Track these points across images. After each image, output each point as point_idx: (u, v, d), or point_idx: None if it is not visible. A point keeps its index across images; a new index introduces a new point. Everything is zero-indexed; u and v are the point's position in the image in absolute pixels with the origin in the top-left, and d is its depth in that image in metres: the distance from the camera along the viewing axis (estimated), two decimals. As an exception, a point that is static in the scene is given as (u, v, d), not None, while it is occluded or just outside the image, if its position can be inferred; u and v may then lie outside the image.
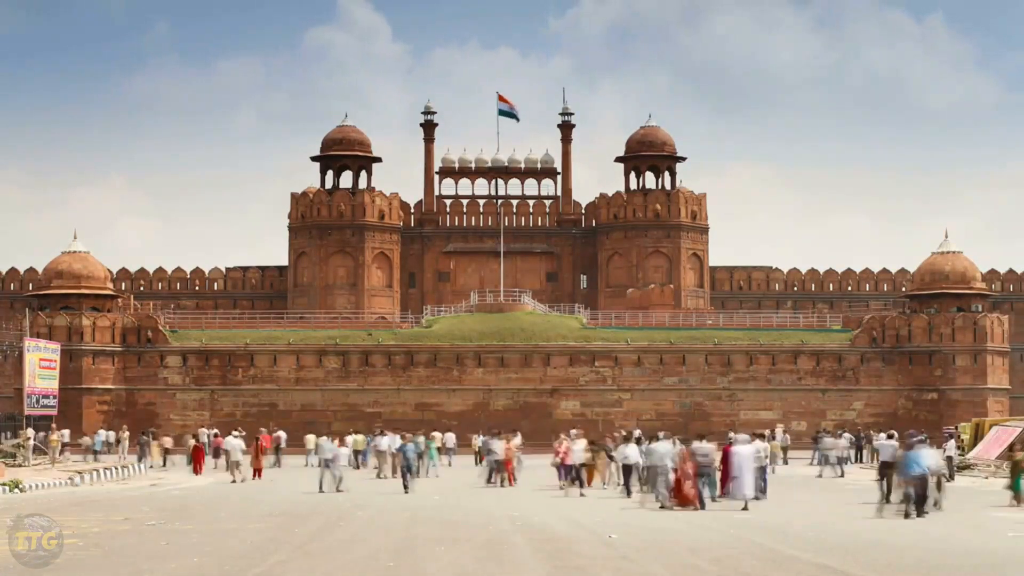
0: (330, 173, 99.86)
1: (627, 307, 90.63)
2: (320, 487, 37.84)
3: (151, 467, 55.39)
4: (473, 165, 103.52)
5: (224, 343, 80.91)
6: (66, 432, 64.98)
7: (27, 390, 56.96)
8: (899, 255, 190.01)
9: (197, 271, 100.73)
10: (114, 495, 36.90)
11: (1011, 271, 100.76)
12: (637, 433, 47.60)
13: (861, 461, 59.42)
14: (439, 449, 53.94)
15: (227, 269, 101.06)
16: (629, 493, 34.59)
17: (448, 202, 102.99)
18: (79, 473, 45.18)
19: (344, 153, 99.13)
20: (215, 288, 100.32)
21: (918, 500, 27.46)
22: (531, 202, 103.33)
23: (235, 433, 51.97)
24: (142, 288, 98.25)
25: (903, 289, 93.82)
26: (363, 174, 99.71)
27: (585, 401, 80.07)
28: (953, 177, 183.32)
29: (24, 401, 57.17)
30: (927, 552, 20.96)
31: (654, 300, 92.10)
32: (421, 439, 47.03)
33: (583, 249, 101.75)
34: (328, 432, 63.60)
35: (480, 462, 50.52)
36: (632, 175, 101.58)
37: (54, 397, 59.75)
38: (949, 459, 44.09)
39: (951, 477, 42.31)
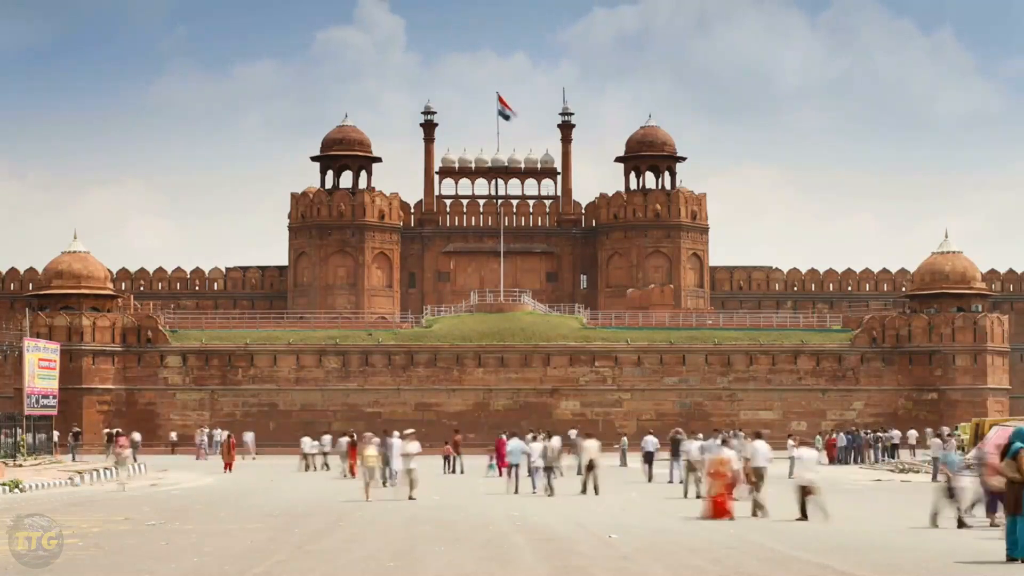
0: (330, 173, 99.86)
1: (627, 307, 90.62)
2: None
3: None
4: (473, 165, 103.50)
5: (224, 343, 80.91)
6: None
7: (27, 390, 56.93)
8: (899, 255, 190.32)
9: (197, 271, 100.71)
10: (114, 495, 36.90)
11: (1011, 271, 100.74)
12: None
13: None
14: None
15: (227, 269, 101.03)
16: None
17: (448, 202, 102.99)
18: (79, 473, 45.15)
19: (344, 153, 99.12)
20: (215, 288, 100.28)
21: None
22: (531, 202, 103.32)
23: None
24: (142, 288, 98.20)
25: (903, 289, 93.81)
26: (363, 174, 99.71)
27: (585, 401, 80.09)
28: (953, 177, 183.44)
29: (24, 401, 57.13)
30: (927, 553, 20.95)
31: (654, 300, 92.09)
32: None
33: (583, 249, 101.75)
34: (328, 431, 63.62)
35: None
36: (632, 175, 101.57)
37: (54, 397, 59.76)
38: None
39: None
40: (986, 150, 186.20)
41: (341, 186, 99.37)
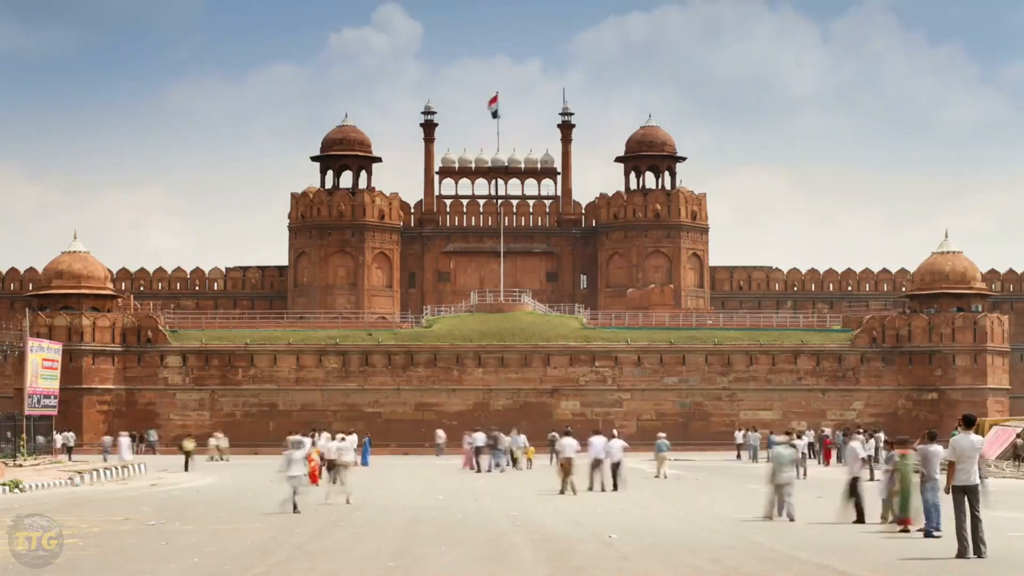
0: (330, 173, 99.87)
1: (627, 307, 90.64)
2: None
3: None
4: (473, 165, 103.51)
5: (224, 343, 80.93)
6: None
7: (28, 390, 56.94)
8: (899, 255, 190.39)
9: (197, 271, 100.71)
10: (114, 495, 36.90)
11: (1011, 271, 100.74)
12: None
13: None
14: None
15: (227, 269, 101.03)
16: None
17: (448, 202, 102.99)
18: (79, 473, 45.15)
19: (344, 153, 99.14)
20: (215, 288, 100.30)
21: None
22: (531, 202, 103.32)
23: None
24: (142, 288, 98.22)
25: (903, 289, 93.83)
26: (363, 174, 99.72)
27: (585, 401, 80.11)
28: (954, 179, 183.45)
29: (25, 401, 57.14)
30: (927, 553, 20.96)
31: (654, 300, 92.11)
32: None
33: (583, 249, 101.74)
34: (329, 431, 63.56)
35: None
36: (632, 175, 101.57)
37: (55, 397, 59.77)
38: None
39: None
40: (988, 153, 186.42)
41: (341, 186, 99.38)
